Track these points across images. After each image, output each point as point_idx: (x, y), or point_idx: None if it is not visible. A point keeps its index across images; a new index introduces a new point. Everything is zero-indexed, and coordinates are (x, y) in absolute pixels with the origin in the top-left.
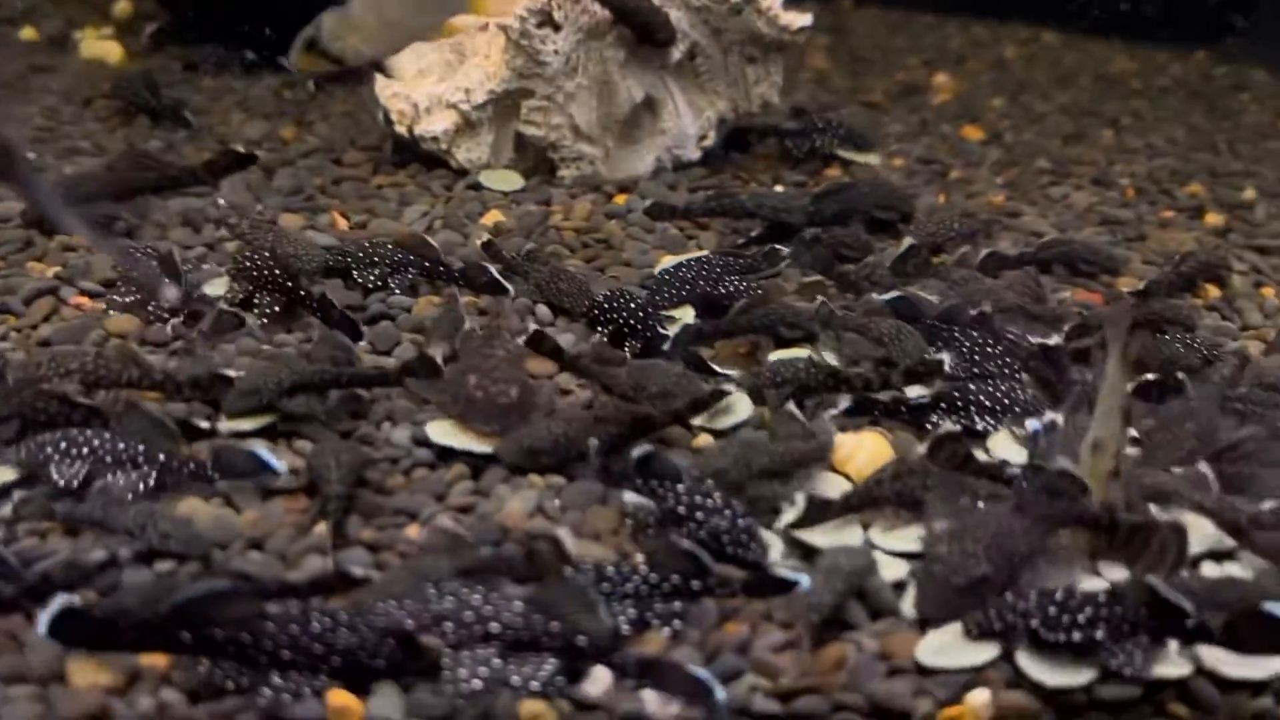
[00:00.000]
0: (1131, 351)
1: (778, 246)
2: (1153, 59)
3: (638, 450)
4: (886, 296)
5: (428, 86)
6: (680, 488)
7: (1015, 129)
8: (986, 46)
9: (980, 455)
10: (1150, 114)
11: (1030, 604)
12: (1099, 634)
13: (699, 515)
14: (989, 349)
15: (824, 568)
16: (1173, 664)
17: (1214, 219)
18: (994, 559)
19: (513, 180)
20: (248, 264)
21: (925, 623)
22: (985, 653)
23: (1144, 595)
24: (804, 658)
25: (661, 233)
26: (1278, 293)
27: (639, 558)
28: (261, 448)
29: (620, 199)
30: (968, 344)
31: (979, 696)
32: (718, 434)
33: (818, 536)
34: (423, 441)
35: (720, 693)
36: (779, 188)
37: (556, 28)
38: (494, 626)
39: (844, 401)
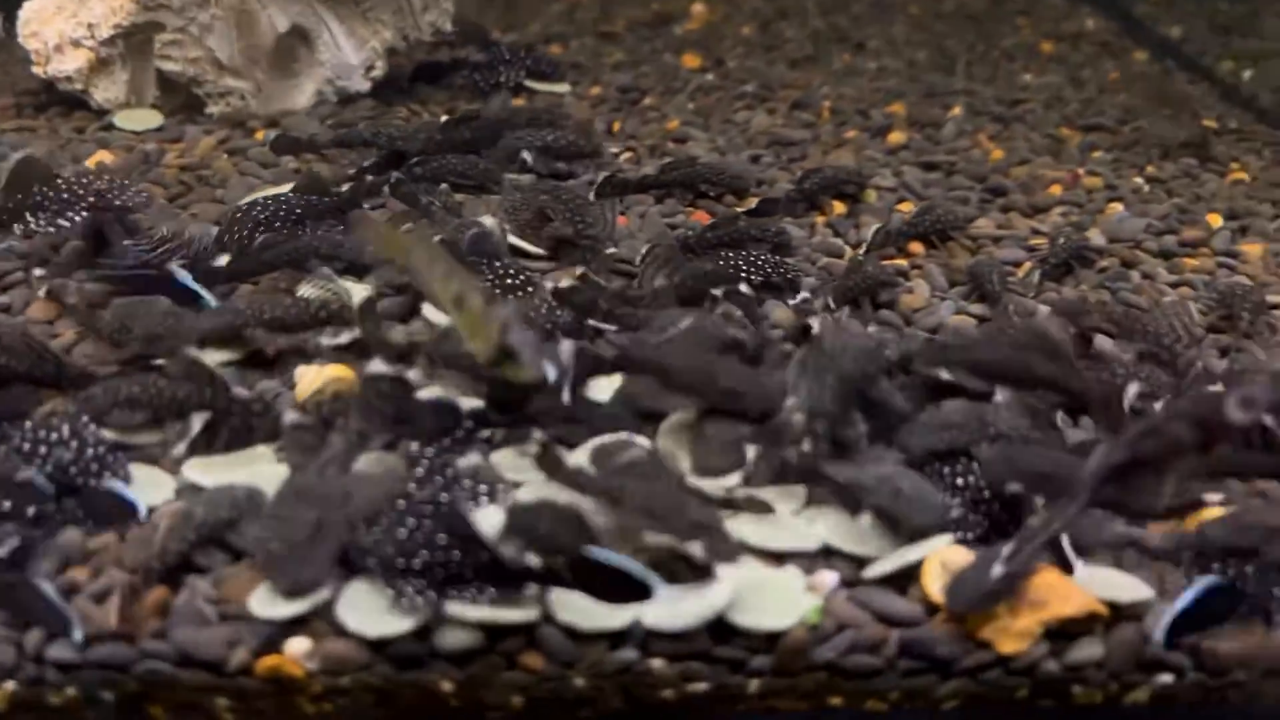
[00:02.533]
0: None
1: (370, 179)
2: None
3: None
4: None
5: (59, 23)
6: (28, 424)
7: (745, 55)
8: None
9: None
10: (903, 38)
11: (367, 543)
12: (410, 580)
13: (43, 449)
14: (510, 278)
15: (180, 512)
16: (518, 609)
17: (896, 138)
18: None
19: (151, 119)
20: None
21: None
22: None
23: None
24: (124, 603)
25: (283, 167)
26: (914, 208)
27: None
28: None
29: (261, 134)
30: (491, 274)
31: (297, 646)
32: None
33: (210, 474)
34: None
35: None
36: (445, 119)
37: None
38: None
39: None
